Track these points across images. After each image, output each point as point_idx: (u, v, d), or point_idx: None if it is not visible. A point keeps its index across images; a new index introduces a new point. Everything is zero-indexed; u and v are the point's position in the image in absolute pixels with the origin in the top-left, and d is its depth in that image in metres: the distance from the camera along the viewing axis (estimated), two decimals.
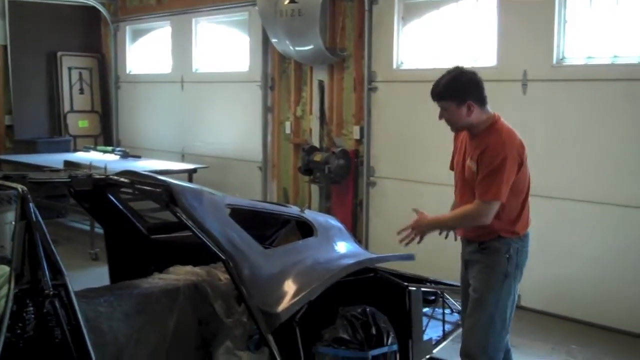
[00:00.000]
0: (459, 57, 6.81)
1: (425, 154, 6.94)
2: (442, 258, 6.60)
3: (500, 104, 6.35)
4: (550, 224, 6.10)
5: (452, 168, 3.99)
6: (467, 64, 6.67)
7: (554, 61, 6.06)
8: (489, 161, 3.57)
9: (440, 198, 6.75)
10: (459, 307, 4.53)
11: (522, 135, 6.28)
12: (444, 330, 4.36)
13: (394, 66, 7.31)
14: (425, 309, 4.32)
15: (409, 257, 4.35)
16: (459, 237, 3.97)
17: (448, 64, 6.76)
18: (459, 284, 4.67)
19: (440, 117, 3.74)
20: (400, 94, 7.25)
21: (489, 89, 6.84)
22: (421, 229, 3.72)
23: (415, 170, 7.02)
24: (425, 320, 4.20)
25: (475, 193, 3.62)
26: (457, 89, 3.66)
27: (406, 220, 7.06)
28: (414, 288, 4.05)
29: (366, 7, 7.36)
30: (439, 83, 3.70)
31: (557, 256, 6.09)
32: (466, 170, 3.72)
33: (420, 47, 7.19)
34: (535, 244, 6.17)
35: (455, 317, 4.53)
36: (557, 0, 5.99)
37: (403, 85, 7.23)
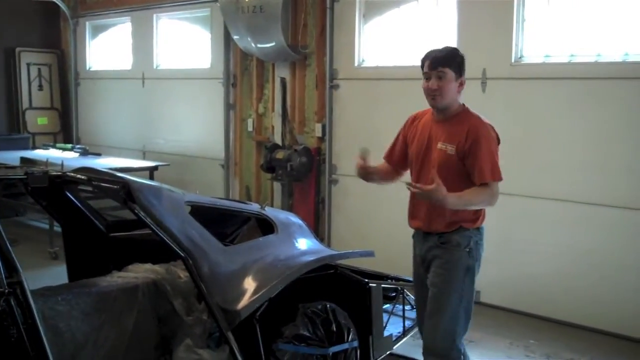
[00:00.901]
0: (418, 55, 6.86)
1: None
2: (402, 255, 6.66)
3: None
4: (510, 220, 6.18)
5: (388, 157, 3.98)
6: None
7: (513, 60, 6.13)
8: (485, 141, 3.57)
9: (400, 195, 6.85)
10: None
11: None
12: (404, 326, 4.39)
13: (356, 64, 7.34)
14: (386, 306, 4.35)
15: (369, 254, 4.38)
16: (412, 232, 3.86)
17: (408, 61, 6.90)
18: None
19: (433, 85, 3.60)
20: (362, 92, 7.28)
21: None
22: (434, 196, 3.40)
23: None
24: (385, 316, 4.23)
25: (476, 176, 3.54)
26: (460, 61, 3.66)
27: (367, 217, 7.12)
28: (374, 285, 4.08)
29: (327, 5, 7.37)
30: (441, 50, 3.68)
31: (516, 252, 6.17)
32: (438, 154, 3.62)
33: (381, 45, 7.22)
34: (495, 241, 6.28)
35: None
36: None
37: (364, 82, 7.26)
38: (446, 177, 3.49)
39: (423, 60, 3.68)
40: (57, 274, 4.77)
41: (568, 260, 5.90)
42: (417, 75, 6.66)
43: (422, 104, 6.61)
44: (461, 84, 3.65)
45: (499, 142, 3.68)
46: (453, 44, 6.52)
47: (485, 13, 6.28)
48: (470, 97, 6.28)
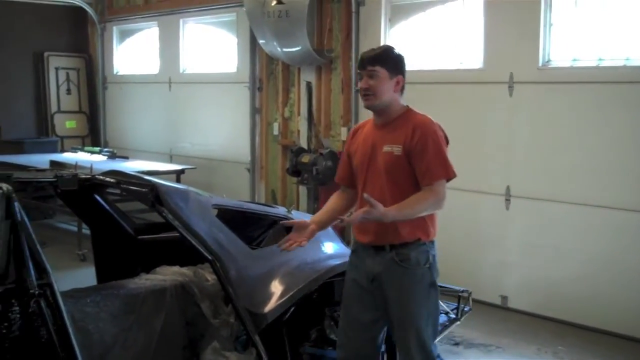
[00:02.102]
0: (445, 59, 6.86)
1: None
2: None
3: (486, 106, 6.48)
4: (537, 226, 6.14)
5: (341, 178, 3.64)
6: (453, 65, 6.75)
7: (540, 63, 6.09)
8: (432, 139, 3.33)
9: None
10: (446, 308, 4.56)
11: (508, 137, 6.37)
12: None
13: None
14: None
15: None
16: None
17: (434, 65, 6.88)
18: (446, 285, 4.69)
19: (364, 84, 3.37)
20: None
21: (475, 91, 6.92)
22: (372, 217, 3.17)
23: None
24: None
25: (425, 175, 3.30)
26: (394, 59, 3.43)
27: None
28: None
29: (353, 9, 7.38)
30: (374, 49, 3.47)
31: (543, 258, 6.12)
32: (384, 158, 3.36)
33: (407, 49, 7.20)
34: (522, 246, 6.27)
35: (443, 318, 4.54)
36: (543, 3, 6.03)
37: None
38: (397, 181, 3.34)
39: (359, 60, 3.49)
40: (85, 276, 4.82)
41: (596, 266, 5.84)
42: (443, 79, 6.75)
43: (449, 109, 6.64)
44: (397, 83, 3.39)
45: (447, 142, 3.44)
46: (479, 48, 6.51)
47: (512, 17, 6.25)
48: (496, 101, 6.33)
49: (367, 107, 3.46)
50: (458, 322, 4.55)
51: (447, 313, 4.58)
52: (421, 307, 3.37)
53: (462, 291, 4.67)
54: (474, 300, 4.87)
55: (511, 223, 6.34)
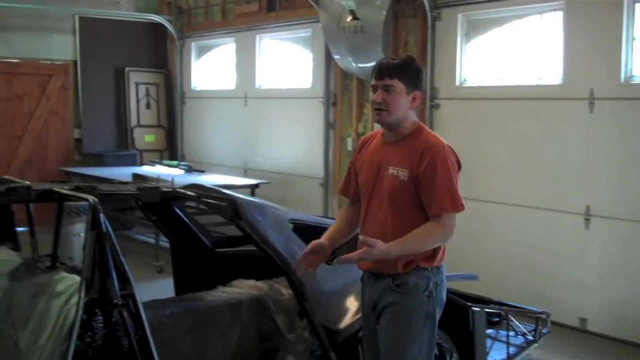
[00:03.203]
0: (523, 75, 6.75)
1: (489, 172, 6.86)
2: (505, 279, 6.53)
3: (566, 123, 6.33)
4: (618, 246, 5.96)
5: (346, 193, 3.38)
6: (531, 81, 6.63)
7: (622, 79, 5.92)
8: (441, 165, 3.04)
9: (504, 216, 6.73)
10: (524, 330, 4.48)
11: (588, 154, 6.20)
12: (508, 352, 4.28)
13: (457, 83, 7.27)
14: (489, 331, 4.25)
15: (473, 277, 4.29)
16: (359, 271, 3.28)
17: (512, 81, 6.78)
18: (524, 306, 4.61)
19: (378, 98, 3.08)
20: (463, 111, 7.20)
21: (553, 107, 6.77)
22: (372, 257, 2.96)
23: (478, 189, 6.93)
24: (489, 342, 4.14)
25: (433, 206, 3.03)
26: (414, 73, 3.13)
27: (470, 240, 7.01)
28: (477, 309, 4.00)
29: (429, 24, 7.34)
30: (393, 59, 3.16)
31: (625, 280, 5.92)
32: (389, 182, 3.10)
33: (484, 64, 7.13)
34: (602, 267, 6.08)
35: (520, 339, 4.46)
36: (625, 17, 5.87)
37: (466, 102, 7.18)
38: (400, 209, 3.06)
39: (372, 70, 3.18)
40: (162, 287, 4.93)
41: None
42: (521, 95, 6.64)
43: (527, 125, 6.52)
44: (414, 99, 3.12)
45: (459, 168, 3.16)
46: (559, 63, 6.38)
47: (592, 32, 6.11)
48: (576, 117, 6.18)
49: (378, 123, 3.19)
50: (536, 345, 4.46)
51: (524, 335, 4.50)
52: (414, 340, 3.06)
53: (540, 313, 4.58)
54: (552, 323, 4.75)
55: (591, 243, 6.16)
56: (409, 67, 3.12)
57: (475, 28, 7.19)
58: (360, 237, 2.96)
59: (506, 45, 6.92)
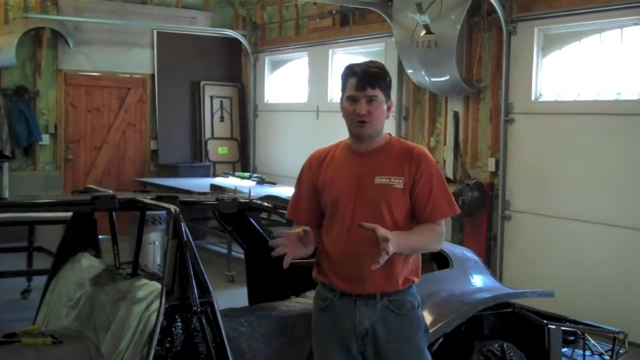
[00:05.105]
0: (601, 90, 6.61)
1: (564, 188, 6.73)
2: (580, 297, 6.38)
3: None
4: None
5: (297, 215, 3.16)
6: (610, 96, 6.49)
7: None
8: (435, 172, 3.00)
9: (579, 234, 6.59)
10: (601, 349, 4.37)
11: None
12: None
13: (532, 98, 7.17)
14: (564, 349, 4.17)
15: (549, 294, 4.23)
16: (336, 298, 2.98)
17: (590, 96, 6.65)
18: (600, 325, 4.50)
19: (363, 110, 2.92)
20: (539, 126, 7.09)
21: (633, 123, 6.61)
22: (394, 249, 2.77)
23: (554, 205, 6.82)
24: None
25: (432, 211, 2.95)
26: (389, 81, 3.02)
27: (543, 256, 6.88)
28: (553, 327, 3.93)
29: (504, 38, 7.27)
30: (369, 68, 2.97)
31: None
32: (380, 191, 2.95)
33: (561, 79, 7.02)
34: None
35: (596, 359, 4.35)
36: None
37: (542, 117, 7.07)
38: (396, 217, 2.94)
39: (346, 76, 3.00)
40: (234, 297, 5.02)
41: None
42: (599, 110, 6.50)
43: (605, 141, 6.38)
44: (388, 108, 3.01)
45: None
46: (639, 78, 6.22)
47: None
48: None
49: (358, 135, 3.01)
50: None
51: (601, 355, 4.39)
52: (419, 354, 2.98)
53: (618, 332, 4.46)
54: (630, 343, 4.61)
55: None
56: (386, 75, 3.01)
57: (552, 42, 7.09)
58: (368, 226, 2.76)
59: (584, 59, 6.80)
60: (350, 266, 2.94)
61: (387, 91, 2.99)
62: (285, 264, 2.84)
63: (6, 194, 9.36)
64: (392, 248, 2.70)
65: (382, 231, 2.74)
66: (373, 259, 2.72)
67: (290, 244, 2.85)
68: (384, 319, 2.93)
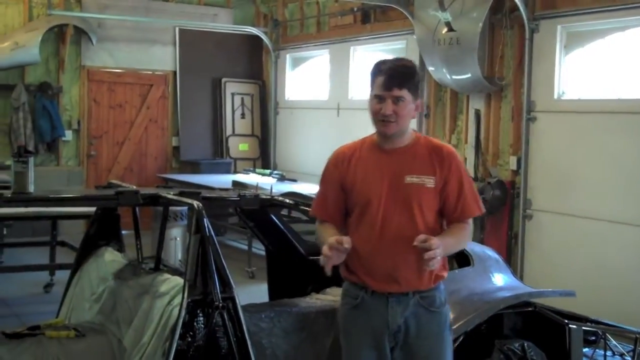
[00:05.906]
0: (625, 88, 6.56)
1: (587, 188, 6.68)
2: (602, 296, 6.34)
3: None
4: None
5: (323, 213, 3.13)
6: (635, 95, 6.43)
7: None
8: (463, 171, 3.05)
9: (602, 233, 6.54)
10: (622, 350, 4.35)
11: None
12: None
13: (555, 96, 7.12)
14: (585, 349, 4.15)
15: (570, 294, 4.21)
16: (363, 296, 3.01)
17: (614, 94, 6.60)
18: (622, 326, 4.47)
19: (388, 110, 2.93)
20: (561, 125, 7.04)
21: None
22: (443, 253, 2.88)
23: (576, 205, 6.77)
24: None
25: (463, 211, 3.00)
26: (418, 81, 3.02)
27: (565, 256, 6.84)
28: (575, 326, 3.92)
29: (527, 36, 7.23)
30: (396, 64, 2.99)
31: None
32: (413, 190, 2.96)
33: (584, 77, 6.97)
34: None
35: (617, 359, 4.33)
36: None
37: (564, 115, 7.03)
38: (427, 216, 2.96)
39: (374, 74, 3.01)
40: (254, 293, 5.02)
41: None
42: (624, 109, 6.45)
43: (632, 140, 6.32)
44: (417, 108, 3.01)
45: None
46: None
47: None
48: None
49: (382, 134, 3.03)
50: None
51: (622, 355, 4.38)
52: (450, 354, 3.05)
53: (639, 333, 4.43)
54: None
55: None
56: (415, 75, 3.01)
57: (575, 40, 7.04)
58: (422, 239, 2.79)
59: (607, 57, 6.74)
60: (383, 265, 2.96)
61: (415, 91, 2.99)
62: (328, 271, 2.87)
63: (31, 189, 9.46)
64: (440, 254, 2.78)
65: (433, 240, 2.77)
66: (405, 258, 2.85)
67: (339, 255, 2.87)
68: (416, 315, 2.97)
